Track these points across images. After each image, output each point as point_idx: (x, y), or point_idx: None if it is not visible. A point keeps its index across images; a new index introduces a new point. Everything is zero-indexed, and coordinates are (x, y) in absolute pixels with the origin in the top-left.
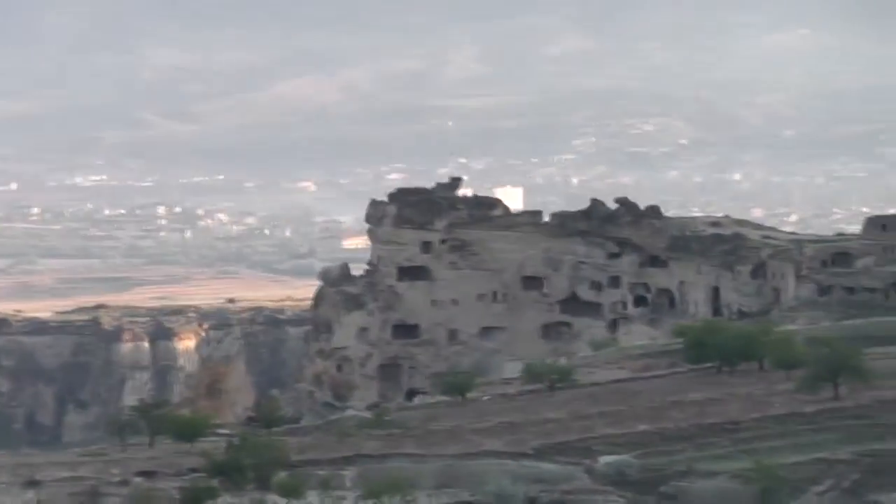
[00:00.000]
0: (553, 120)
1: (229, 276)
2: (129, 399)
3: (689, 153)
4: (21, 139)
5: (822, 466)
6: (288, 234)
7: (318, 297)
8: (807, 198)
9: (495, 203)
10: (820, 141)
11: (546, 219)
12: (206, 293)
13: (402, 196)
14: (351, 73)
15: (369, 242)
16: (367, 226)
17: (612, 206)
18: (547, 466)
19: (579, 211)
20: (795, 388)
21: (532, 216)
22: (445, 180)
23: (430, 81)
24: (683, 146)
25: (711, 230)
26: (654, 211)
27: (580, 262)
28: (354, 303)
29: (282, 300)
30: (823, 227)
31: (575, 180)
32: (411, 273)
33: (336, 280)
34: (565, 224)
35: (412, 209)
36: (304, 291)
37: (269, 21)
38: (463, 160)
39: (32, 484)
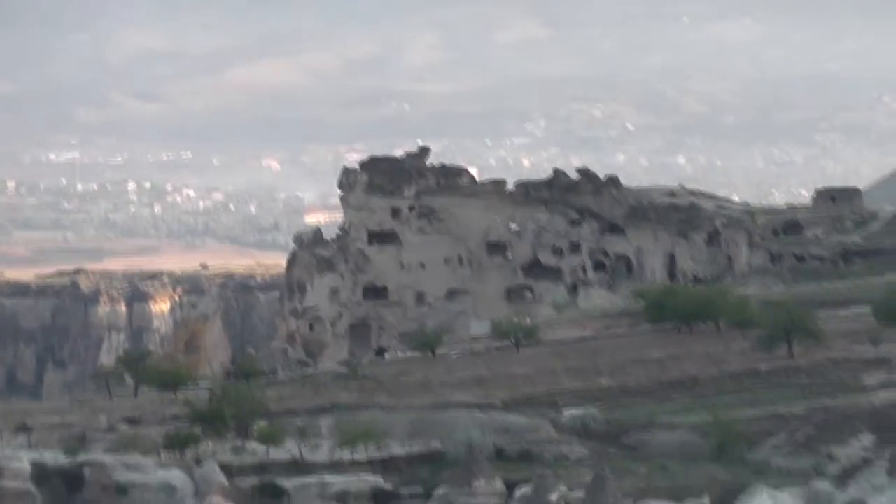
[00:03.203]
0: (506, 105)
1: (197, 249)
2: (106, 359)
3: (636, 138)
4: None
5: (777, 421)
6: (252, 209)
7: (292, 260)
8: (747, 181)
9: (462, 172)
10: (760, 127)
11: (510, 188)
12: (176, 264)
13: (372, 164)
14: (314, 56)
15: (330, 218)
16: (326, 201)
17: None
18: (514, 418)
19: (542, 180)
20: (752, 347)
21: (497, 185)
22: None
23: (389, 66)
24: (630, 131)
25: (668, 200)
26: (613, 181)
27: (542, 228)
28: (326, 265)
29: (251, 268)
30: None
31: (526, 162)
32: (381, 238)
33: (309, 243)
34: (529, 192)
35: (382, 177)
36: (271, 261)
37: (235, 5)
38: (420, 141)
39: (23, 429)
